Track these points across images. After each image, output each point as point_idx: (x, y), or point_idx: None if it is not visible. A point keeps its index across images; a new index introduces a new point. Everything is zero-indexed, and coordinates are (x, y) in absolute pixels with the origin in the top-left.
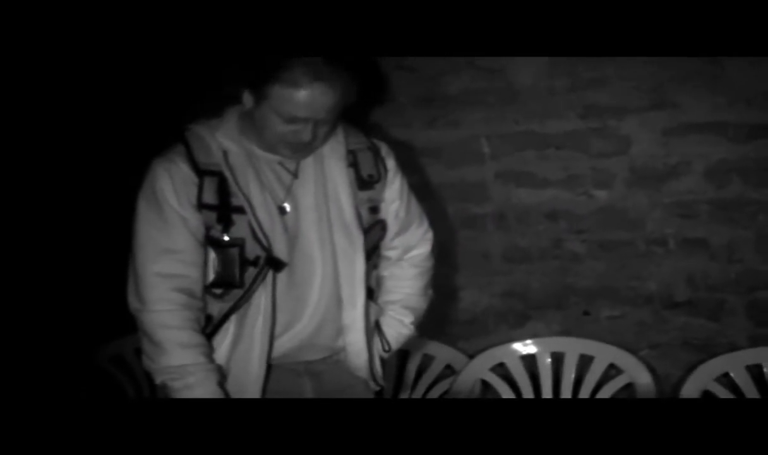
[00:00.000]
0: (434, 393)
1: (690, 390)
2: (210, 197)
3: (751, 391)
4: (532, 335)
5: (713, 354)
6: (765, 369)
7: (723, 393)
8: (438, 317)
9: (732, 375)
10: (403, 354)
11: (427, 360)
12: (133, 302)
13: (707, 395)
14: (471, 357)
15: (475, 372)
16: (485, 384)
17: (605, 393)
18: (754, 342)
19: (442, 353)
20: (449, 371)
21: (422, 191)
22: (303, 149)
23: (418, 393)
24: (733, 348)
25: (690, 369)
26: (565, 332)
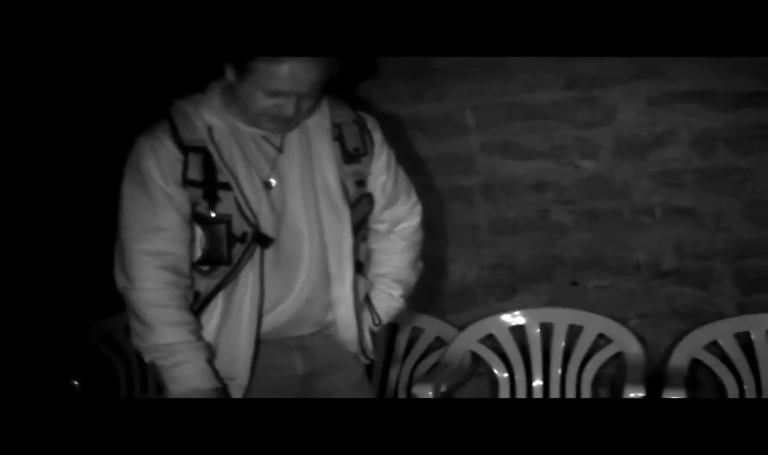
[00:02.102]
0: (424, 366)
1: (679, 358)
2: (195, 174)
3: (739, 359)
4: (521, 307)
5: (701, 323)
6: (753, 337)
7: (712, 361)
8: (427, 290)
9: (720, 342)
10: (392, 328)
11: (416, 333)
12: (120, 280)
13: (696, 363)
14: (460, 329)
15: (464, 344)
16: (475, 356)
17: (595, 363)
18: (742, 309)
19: (431, 325)
20: (439, 343)
21: (409, 164)
22: (287, 123)
23: (407, 366)
24: (721, 316)
25: (678, 337)
26: (554, 303)
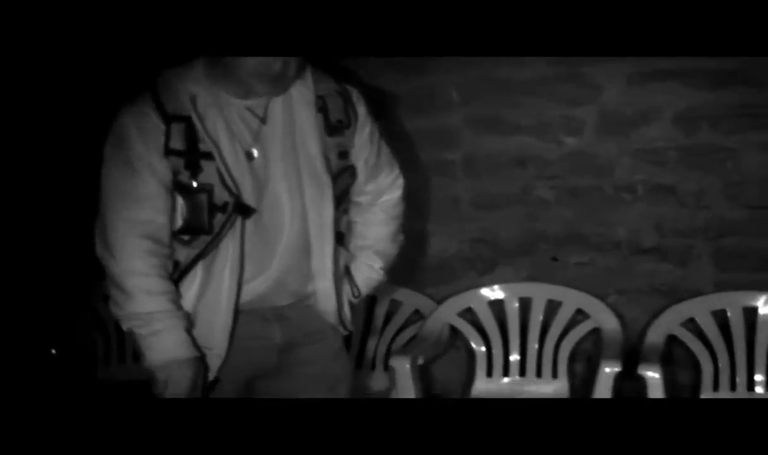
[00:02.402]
0: (402, 338)
1: (655, 334)
2: (178, 143)
3: (715, 336)
4: (501, 282)
5: (680, 300)
6: (729, 314)
7: (688, 337)
8: (407, 264)
9: (697, 320)
10: (371, 300)
11: (395, 306)
12: (100, 249)
13: (672, 339)
14: (439, 302)
15: (442, 318)
16: (453, 329)
17: (572, 338)
18: (720, 287)
19: (410, 299)
20: (417, 316)
21: (393, 138)
22: (277, 80)
23: (386, 338)
24: (699, 293)
25: (656, 314)
26: (534, 279)
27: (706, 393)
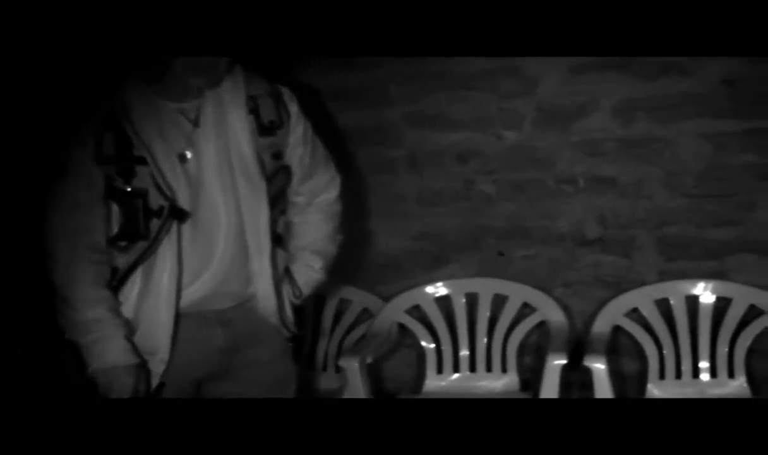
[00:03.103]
0: (352, 338)
1: (601, 325)
2: (110, 149)
3: (659, 325)
4: (449, 278)
5: (625, 290)
6: (672, 303)
7: (633, 327)
8: (354, 262)
9: (641, 309)
10: (320, 300)
11: (344, 305)
12: (45, 257)
13: (618, 330)
14: (387, 300)
15: (390, 316)
16: (402, 327)
17: (520, 331)
18: (664, 276)
19: (358, 297)
20: (367, 315)
21: (333, 136)
22: (209, 71)
23: (336, 338)
24: (644, 283)
25: (602, 305)
26: (481, 274)
27: (653, 382)
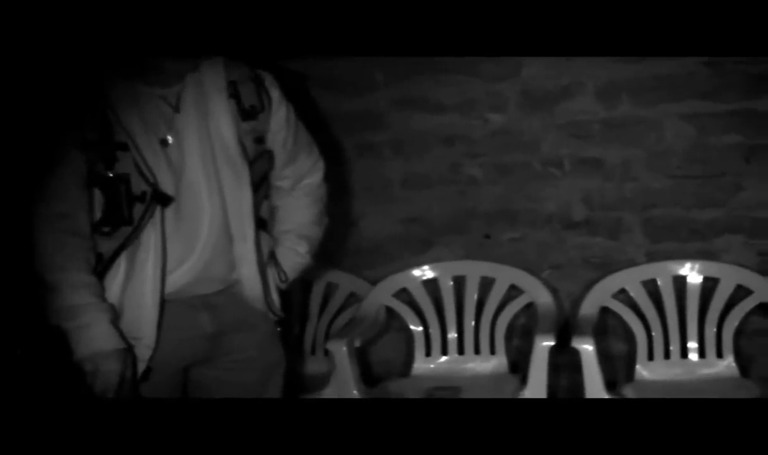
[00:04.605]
0: (339, 322)
1: (588, 307)
2: (92, 135)
3: (647, 306)
4: (436, 261)
5: (612, 272)
6: (659, 283)
7: (620, 308)
8: (341, 246)
9: (628, 290)
10: (307, 284)
11: (331, 289)
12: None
13: (606, 311)
14: (374, 284)
15: (378, 299)
16: (390, 311)
17: (507, 314)
18: (651, 257)
19: (345, 281)
20: (354, 299)
21: (318, 121)
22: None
23: (323, 323)
24: (632, 264)
25: (589, 286)
26: (468, 257)
27: (641, 363)
